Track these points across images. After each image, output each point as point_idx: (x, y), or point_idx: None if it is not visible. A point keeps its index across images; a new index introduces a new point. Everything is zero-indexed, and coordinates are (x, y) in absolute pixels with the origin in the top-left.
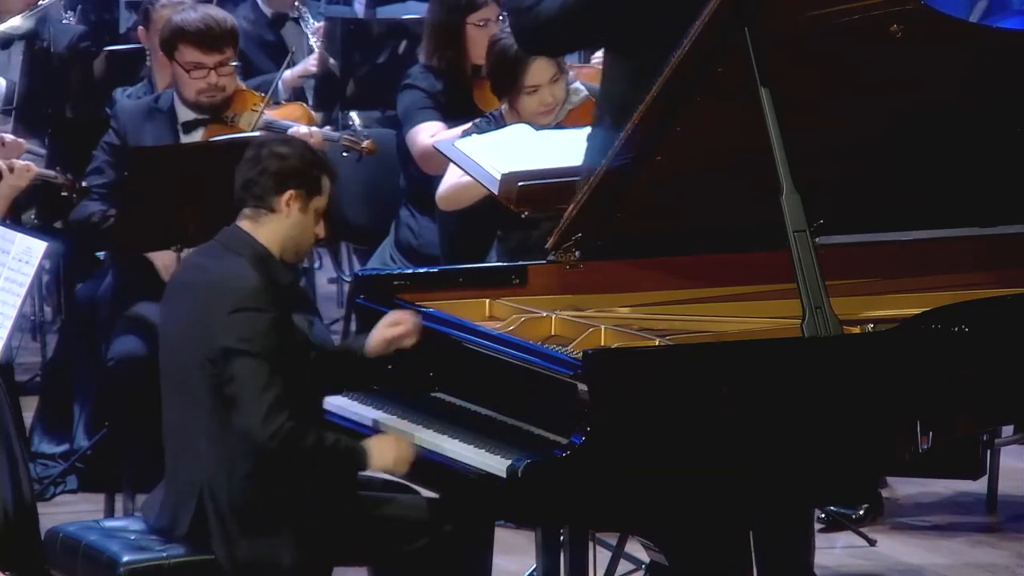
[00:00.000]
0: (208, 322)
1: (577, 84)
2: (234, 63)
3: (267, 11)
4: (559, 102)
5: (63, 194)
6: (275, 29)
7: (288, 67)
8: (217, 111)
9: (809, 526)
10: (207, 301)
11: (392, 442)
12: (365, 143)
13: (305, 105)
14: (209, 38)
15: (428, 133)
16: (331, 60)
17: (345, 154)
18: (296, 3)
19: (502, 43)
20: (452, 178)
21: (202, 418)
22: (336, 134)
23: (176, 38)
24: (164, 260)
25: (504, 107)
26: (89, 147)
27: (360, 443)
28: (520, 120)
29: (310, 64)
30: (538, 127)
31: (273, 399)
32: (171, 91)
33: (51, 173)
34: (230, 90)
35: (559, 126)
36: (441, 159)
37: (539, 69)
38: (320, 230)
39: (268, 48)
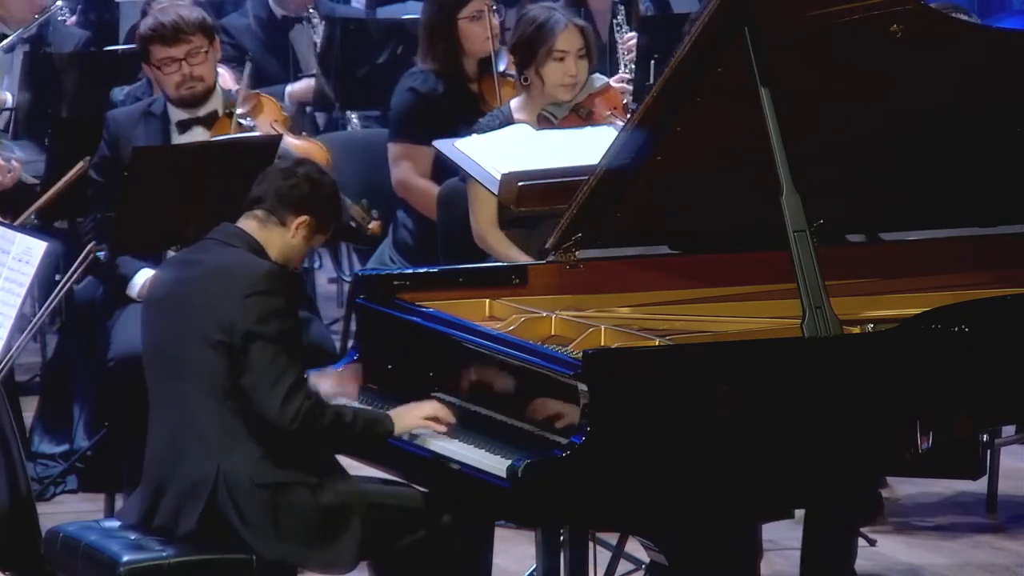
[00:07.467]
0: (217, 306)
1: (597, 74)
2: (206, 51)
3: (278, 12)
4: (581, 81)
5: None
6: (283, 32)
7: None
8: (199, 101)
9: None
10: (213, 287)
11: (414, 405)
12: (372, 224)
13: (280, 105)
14: (170, 30)
15: (404, 168)
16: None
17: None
18: (307, 5)
19: (532, 13)
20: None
21: (209, 405)
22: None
23: (144, 43)
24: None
25: (522, 84)
26: (89, 147)
27: (381, 411)
28: (542, 92)
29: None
30: (556, 107)
31: (291, 382)
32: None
33: (31, 181)
34: (209, 79)
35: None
36: (418, 196)
37: (569, 37)
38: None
39: (275, 51)
